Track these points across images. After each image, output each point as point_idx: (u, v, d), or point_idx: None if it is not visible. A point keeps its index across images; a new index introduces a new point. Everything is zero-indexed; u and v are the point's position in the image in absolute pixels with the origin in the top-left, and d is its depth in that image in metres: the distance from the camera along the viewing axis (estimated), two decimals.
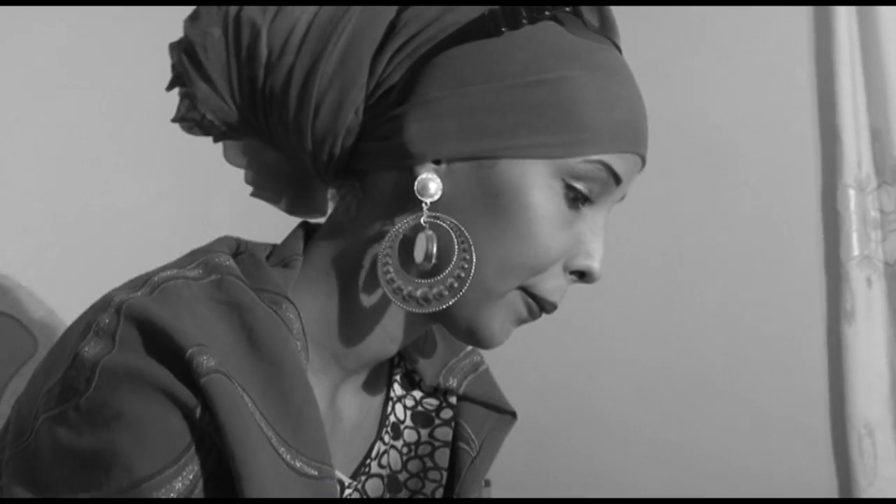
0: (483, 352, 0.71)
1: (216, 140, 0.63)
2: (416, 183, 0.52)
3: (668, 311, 1.67)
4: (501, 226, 0.52)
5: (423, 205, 0.52)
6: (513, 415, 0.71)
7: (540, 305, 0.55)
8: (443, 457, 0.68)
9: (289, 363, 0.48)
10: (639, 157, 0.56)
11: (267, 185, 0.65)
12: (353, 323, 0.57)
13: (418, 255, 0.51)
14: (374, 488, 0.63)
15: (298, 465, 0.46)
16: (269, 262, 0.58)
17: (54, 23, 1.20)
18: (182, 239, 0.65)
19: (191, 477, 0.43)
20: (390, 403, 0.66)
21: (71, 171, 1.22)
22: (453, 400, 0.69)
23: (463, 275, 0.51)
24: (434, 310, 0.51)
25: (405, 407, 0.68)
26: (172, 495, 0.42)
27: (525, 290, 0.55)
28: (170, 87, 0.60)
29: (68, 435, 0.44)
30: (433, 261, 0.51)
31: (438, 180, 0.52)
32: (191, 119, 0.58)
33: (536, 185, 0.52)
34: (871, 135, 1.48)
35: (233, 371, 0.46)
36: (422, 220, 0.52)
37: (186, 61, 0.57)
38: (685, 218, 1.67)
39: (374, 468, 0.63)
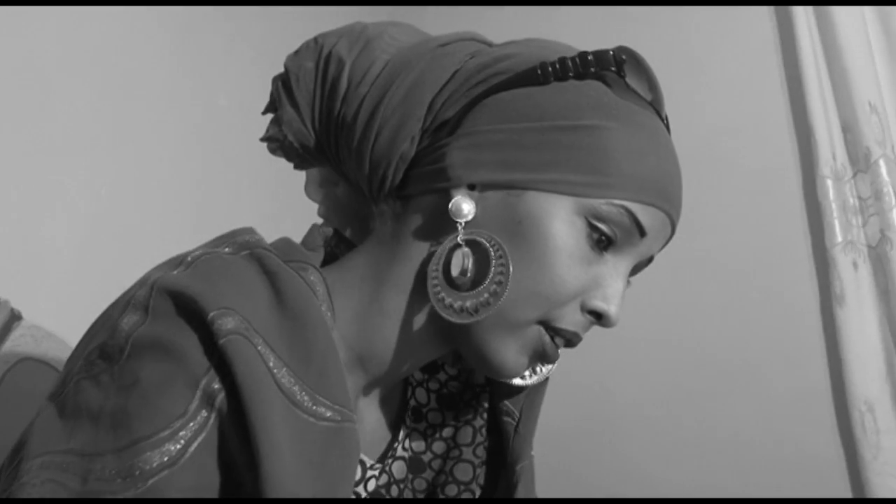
0: None
1: (296, 167, 0.69)
2: (451, 204, 0.57)
3: (671, 312, 1.75)
4: (521, 252, 0.55)
5: (459, 224, 0.56)
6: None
7: (559, 334, 0.58)
8: (465, 435, 0.71)
9: (312, 318, 0.52)
10: (667, 217, 0.60)
11: (334, 218, 0.71)
12: (383, 329, 0.61)
13: (455, 271, 0.55)
14: (398, 469, 0.67)
15: (320, 409, 0.50)
16: None
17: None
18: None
19: (186, 438, 0.46)
20: (409, 389, 0.71)
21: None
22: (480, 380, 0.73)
23: (502, 283, 0.54)
24: (480, 318, 0.55)
25: (428, 391, 0.71)
26: (166, 459, 0.45)
27: (545, 324, 0.58)
28: (265, 111, 0.68)
29: (98, 398, 0.47)
30: (468, 275, 0.55)
31: (472, 203, 0.57)
32: (275, 139, 0.65)
33: (558, 217, 0.55)
34: (841, 128, 1.56)
35: (261, 329, 0.49)
36: (459, 239, 0.56)
37: (281, 88, 0.65)
38: (681, 226, 1.73)
39: (399, 451, 0.68)
